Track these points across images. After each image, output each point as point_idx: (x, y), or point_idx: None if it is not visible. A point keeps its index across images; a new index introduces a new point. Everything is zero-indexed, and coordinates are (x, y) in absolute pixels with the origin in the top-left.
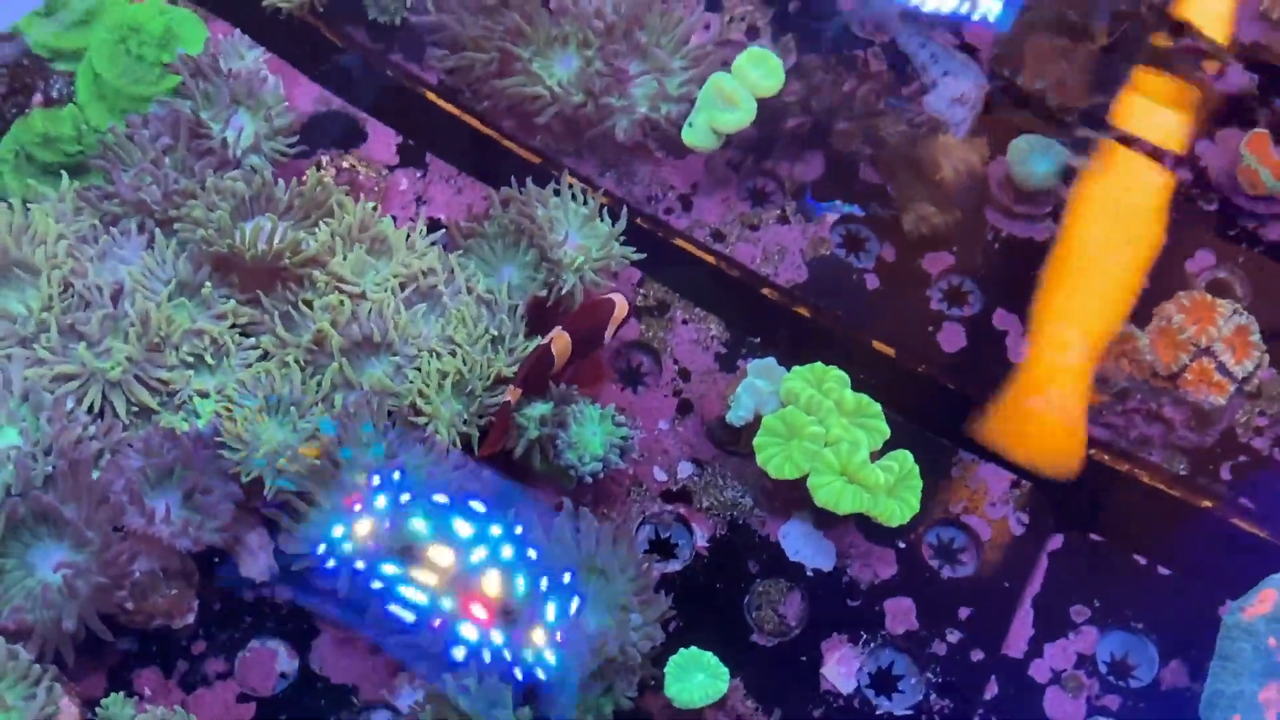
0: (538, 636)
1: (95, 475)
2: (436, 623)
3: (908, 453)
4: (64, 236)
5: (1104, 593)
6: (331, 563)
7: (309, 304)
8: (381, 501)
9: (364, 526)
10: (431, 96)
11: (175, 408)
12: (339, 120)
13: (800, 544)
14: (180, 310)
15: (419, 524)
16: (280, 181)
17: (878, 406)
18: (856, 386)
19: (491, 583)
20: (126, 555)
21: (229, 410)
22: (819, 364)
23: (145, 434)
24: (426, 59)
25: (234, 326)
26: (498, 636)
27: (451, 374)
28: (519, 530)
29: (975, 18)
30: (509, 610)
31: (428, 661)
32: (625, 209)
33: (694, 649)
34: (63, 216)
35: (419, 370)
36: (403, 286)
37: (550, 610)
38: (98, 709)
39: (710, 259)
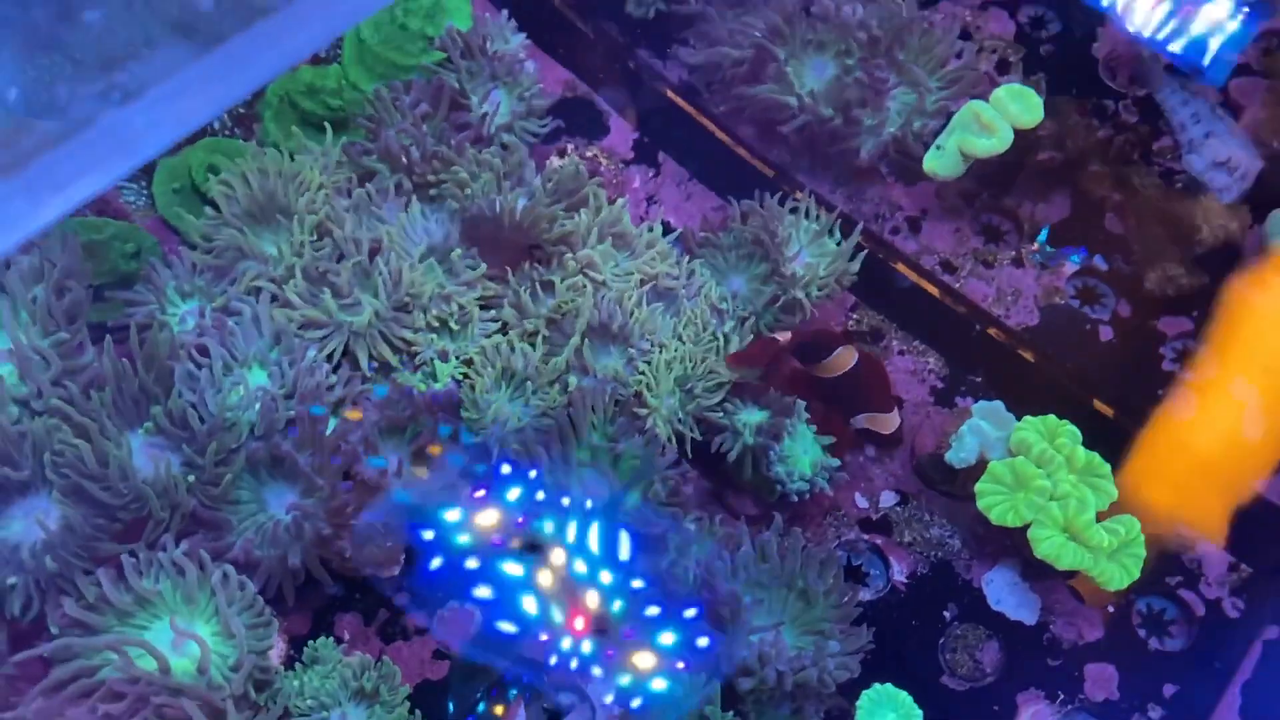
0: (643, 660)
1: (332, 423)
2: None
3: (1136, 520)
4: (324, 187)
5: None
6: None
7: (552, 285)
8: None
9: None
10: (671, 95)
11: (414, 368)
12: (584, 110)
13: (1004, 593)
14: (431, 273)
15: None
16: (531, 162)
17: (1108, 468)
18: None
19: (592, 599)
20: (353, 506)
21: (467, 376)
22: (1052, 416)
23: (383, 389)
24: (670, 55)
25: (479, 298)
26: (587, 646)
27: (675, 364)
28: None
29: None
30: (605, 628)
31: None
32: (860, 226)
33: (889, 686)
34: (325, 169)
35: (648, 364)
36: (642, 283)
37: (667, 635)
38: (305, 647)
39: (934, 289)
